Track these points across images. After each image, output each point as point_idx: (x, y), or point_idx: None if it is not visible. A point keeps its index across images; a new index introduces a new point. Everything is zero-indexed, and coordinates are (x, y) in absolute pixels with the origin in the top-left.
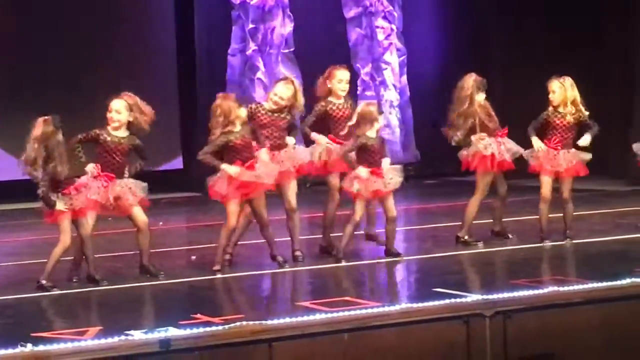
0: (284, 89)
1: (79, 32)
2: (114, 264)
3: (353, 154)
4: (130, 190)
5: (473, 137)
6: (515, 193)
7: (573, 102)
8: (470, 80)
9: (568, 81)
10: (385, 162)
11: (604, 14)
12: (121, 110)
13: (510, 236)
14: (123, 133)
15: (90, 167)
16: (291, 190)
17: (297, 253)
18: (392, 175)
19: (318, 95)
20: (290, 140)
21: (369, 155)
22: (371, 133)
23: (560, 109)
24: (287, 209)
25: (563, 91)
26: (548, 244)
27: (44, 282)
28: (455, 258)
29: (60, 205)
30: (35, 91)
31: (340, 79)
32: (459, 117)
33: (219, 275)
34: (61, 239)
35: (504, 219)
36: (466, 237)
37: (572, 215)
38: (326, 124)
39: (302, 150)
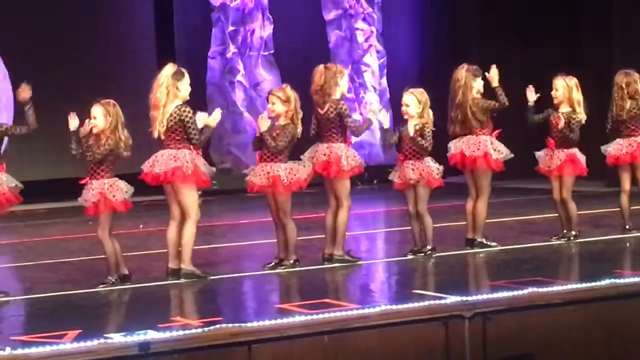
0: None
1: (58, 32)
2: (94, 267)
3: None
4: None
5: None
6: (496, 195)
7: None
8: (462, 71)
9: (573, 81)
10: None
11: (582, 13)
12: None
13: None
14: None
15: None
16: None
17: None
18: None
19: None
20: None
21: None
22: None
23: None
24: None
25: (567, 90)
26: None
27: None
28: (436, 260)
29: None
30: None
31: None
32: (455, 110)
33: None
34: None
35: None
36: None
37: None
38: None
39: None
